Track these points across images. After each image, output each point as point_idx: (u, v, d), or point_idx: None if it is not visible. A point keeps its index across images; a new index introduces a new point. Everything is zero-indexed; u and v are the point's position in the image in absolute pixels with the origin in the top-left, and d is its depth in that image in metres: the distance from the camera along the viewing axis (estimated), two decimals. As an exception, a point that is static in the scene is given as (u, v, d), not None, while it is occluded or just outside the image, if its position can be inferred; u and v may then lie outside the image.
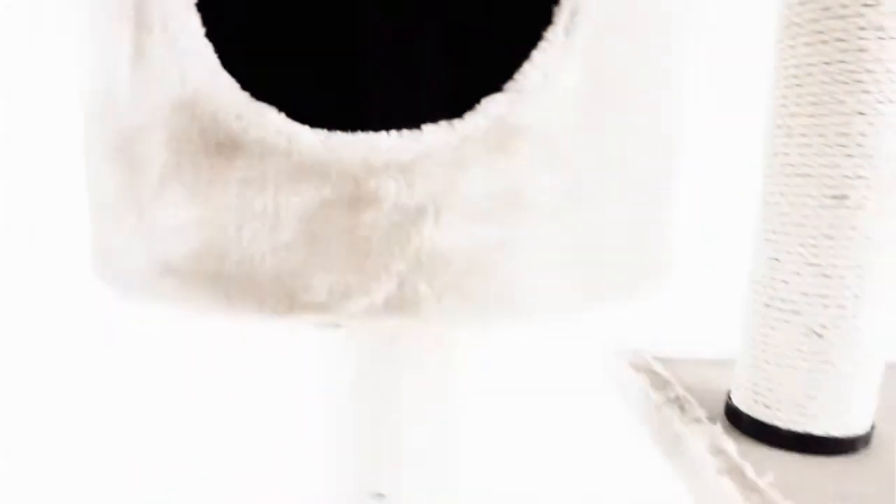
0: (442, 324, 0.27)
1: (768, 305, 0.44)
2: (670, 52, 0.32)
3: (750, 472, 0.40)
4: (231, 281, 0.27)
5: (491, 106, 0.26)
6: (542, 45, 0.26)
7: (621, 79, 0.28)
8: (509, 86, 0.26)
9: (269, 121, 0.26)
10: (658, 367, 0.55)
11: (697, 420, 0.46)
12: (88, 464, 0.93)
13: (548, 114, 0.26)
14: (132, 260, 0.30)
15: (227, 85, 0.26)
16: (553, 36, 0.26)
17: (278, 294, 0.26)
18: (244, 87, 0.26)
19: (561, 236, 0.28)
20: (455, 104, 0.26)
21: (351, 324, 0.27)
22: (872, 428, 0.46)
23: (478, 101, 0.26)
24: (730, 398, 0.49)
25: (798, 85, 0.42)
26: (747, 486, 0.39)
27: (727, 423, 0.48)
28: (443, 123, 0.26)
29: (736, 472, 0.40)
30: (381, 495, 0.42)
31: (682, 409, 0.48)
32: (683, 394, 0.50)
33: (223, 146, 0.26)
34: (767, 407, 0.45)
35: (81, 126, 0.34)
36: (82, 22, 0.32)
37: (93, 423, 0.93)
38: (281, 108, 0.26)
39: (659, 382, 0.52)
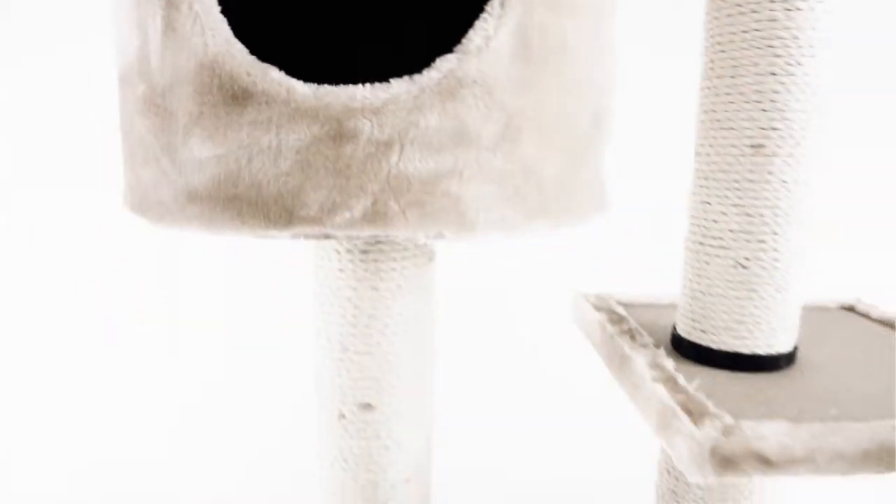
0: (407, 234, 0.36)
1: (702, 243, 0.54)
2: (598, 19, 0.41)
3: (681, 379, 0.49)
4: (243, 202, 0.36)
5: (443, 63, 0.35)
6: (482, 16, 0.35)
7: (548, 40, 0.37)
8: (457, 48, 0.35)
9: (272, 77, 0.35)
10: (617, 308, 0.64)
11: (644, 345, 0.56)
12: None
13: (486, 69, 0.35)
14: (163, 192, 0.39)
15: (239, 50, 0.35)
16: (491, 9, 0.35)
17: (280, 210, 0.36)
18: (252, 51, 0.36)
19: (500, 166, 0.37)
20: (415, 62, 0.35)
21: (337, 234, 0.36)
22: (796, 349, 0.55)
23: (433, 59, 0.35)
24: (674, 328, 0.58)
25: (722, 51, 0.51)
26: (677, 390, 0.48)
27: (671, 349, 0.57)
28: (406, 77, 0.35)
29: (669, 381, 0.49)
30: (368, 405, 0.52)
31: (632, 337, 0.57)
32: (635, 326, 0.59)
33: (237, 97, 0.35)
34: (703, 332, 0.54)
35: (116, 88, 0.44)
36: (118, 3, 0.41)
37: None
38: (281, 66, 0.35)
39: (616, 319, 0.61)
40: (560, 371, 0.97)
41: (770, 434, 0.43)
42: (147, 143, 0.40)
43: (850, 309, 0.71)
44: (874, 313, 0.68)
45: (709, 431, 0.42)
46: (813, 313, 0.70)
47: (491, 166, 0.36)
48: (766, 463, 0.42)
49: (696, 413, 0.45)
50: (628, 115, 0.59)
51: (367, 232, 0.36)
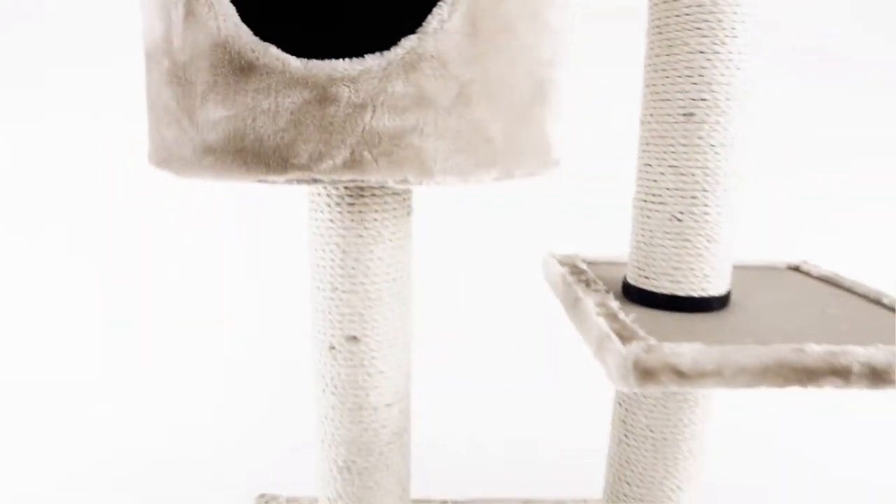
0: (379, 178, 0.47)
1: (645, 200, 0.64)
2: (540, 3, 0.52)
3: (621, 314, 0.60)
4: (249, 153, 0.47)
5: (406, 42, 0.46)
6: (439, 3, 0.46)
7: (493, 22, 0.48)
8: (418, 30, 0.46)
9: (271, 53, 0.46)
10: (579, 263, 0.75)
11: (596, 290, 0.66)
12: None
13: (441, 46, 0.46)
14: (183, 147, 0.51)
15: (245, 32, 0.46)
16: (446, -1, 0.46)
17: (278, 159, 0.47)
18: (255, 33, 0.47)
19: (454, 125, 0.48)
20: (385, 41, 0.46)
21: (323, 179, 0.47)
22: (729, 293, 0.65)
23: (399, 39, 0.46)
24: (625, 277, 0.69)
25: (660, 32, 0.61)
26: (616, 321, 0.59)
27: (621, 294, 0.68)
28: (377, 53, 0.46)
29: (610, 315, 0.60)
30: (354, 338, 0.63)
31: (587, 285, 0.68)
32: (592, 277, 0.70)
33: (243, 69, 0.46)
34: (647, 278, 0.65)
35: (143, 65, 0.55)
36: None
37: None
38: (278, 45, 0.46)
39: (576, 271, 0.72)
40: (529, 318, 1.13)
41: (685, 352, 0.53)
42: (170, 108, 0.51)
43: (796, 269, 0.81)
44: (815, 272, 0.78)
45: (633, 349, 0.53)
46: (760, 271, 0.80)
47: (446, 124, 0.47)
48: (680, 375, 0.53)
49: (626, 337, 0.55)
50: (604, 95, 0.70)
51: (346, 177, 0.47)
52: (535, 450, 1.14)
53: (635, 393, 0.69)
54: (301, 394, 0.81)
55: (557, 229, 1.05)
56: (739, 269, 0.78)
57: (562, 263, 0.76)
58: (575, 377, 1.07)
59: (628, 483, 0.71)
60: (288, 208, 1.15)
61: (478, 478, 1.07)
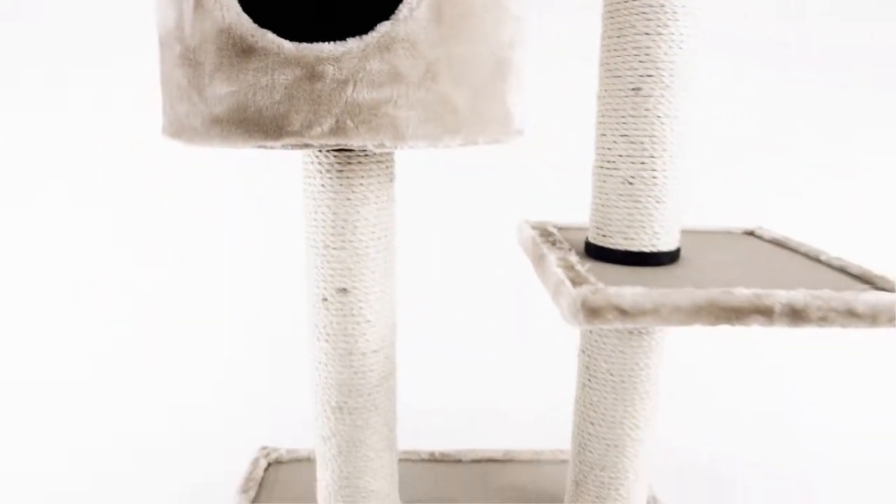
0: (360, 143, 0.58)
1: (601, 166, 0.75)
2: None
3: (577, 265, 0.71)
4: (250, 123, 0.58)
5: (381, 27, 0.57)
6: (409, -6, 0.57)
7: (456, 9, 0.58)
8: (392, 17, 0.57)
9: (268, 38, 0.57)
10: (550, 228, 0.86)
11: (560, 248, 0.77)
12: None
13: (411, 31, 0.57)
14: (194, 120, 0.61)
15: (246, 20, 0.57)
16: (415, -10, 0.57)
17: (275, 127, 0.57)
18: (254, 20, 0.57)
19: (423, 97, 0.58)
20: (363, 27, 0.57)
21: (313, 143, 0.58)
22: (678, 250, 0.76)
23: (375, 25, 0.57)
24: (587, 237, 0.79)
25: (612, 17, 0.72)
26: (572, 270, 0.69)
27: (584, 252, 0.79)
28: (357, 37, 0.57)
29: (568, 266, 0.71)
30: (344, 290, 0.74)
31: (553, 244, 0.78)
32: (560, 238, 0.81)
33: (245, 51, 0.57)
34: (604, 236, 0.75)
35: (156, 48, 0.66)
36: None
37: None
38: (274, 30, 0.57)
39: (545, 233, 0.83)
40: (510, 286, 1.26)
41: (627, 293, 0.64)
42: (182, 86, 0.62)
43: (751, 233, 0.91)
44: (767, 235, 0.89)
45: (582, 290, 0.64)
46: (717, 235, 0.91)
47: (417, 97, 0.58)
48: (623, 313, 0.63)
49: (578, 282, 0.66)
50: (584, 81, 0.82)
51: (332, 141, 0.58)
52: (513, 407, 1.28)
53: (596, 341, 0.79)
54: (298, 342, 0.93)
55: (535, 200, 1.18)
56: (697, 233, 0.89)
57: (533, 228, 0.86)
58: (548, 341, 1.20)
59: (592, 423, 0.81)
60: (284, 181, 1.31)
61: (462, 433, 1.19)
